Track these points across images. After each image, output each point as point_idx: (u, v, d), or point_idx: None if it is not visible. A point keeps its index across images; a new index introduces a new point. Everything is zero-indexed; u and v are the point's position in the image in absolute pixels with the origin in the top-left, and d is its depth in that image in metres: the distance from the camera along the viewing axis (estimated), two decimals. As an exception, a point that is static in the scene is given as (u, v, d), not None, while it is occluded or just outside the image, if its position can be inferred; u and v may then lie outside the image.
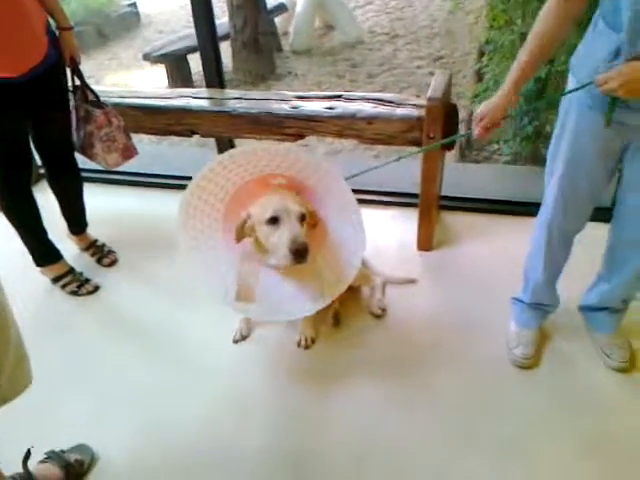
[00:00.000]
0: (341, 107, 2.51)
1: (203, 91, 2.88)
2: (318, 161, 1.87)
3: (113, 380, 2.16)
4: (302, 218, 1.84)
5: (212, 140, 3.23)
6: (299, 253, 1.78)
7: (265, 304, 2.01)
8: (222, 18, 5.92)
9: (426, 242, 2.69)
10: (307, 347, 2.22)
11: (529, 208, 2.89)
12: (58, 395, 2.09)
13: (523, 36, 3.24)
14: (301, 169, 1.89)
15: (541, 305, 2.17)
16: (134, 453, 1.89)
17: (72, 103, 2.42)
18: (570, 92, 1.67)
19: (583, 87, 1.59)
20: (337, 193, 1.88)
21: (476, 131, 1.80)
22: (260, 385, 2.11)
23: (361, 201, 2.78)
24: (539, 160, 3.56)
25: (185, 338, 2.32)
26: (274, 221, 1.82)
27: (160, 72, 6.05)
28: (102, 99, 2.45)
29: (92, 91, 2.42)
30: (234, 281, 1.99)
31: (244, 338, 2.29)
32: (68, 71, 2.35)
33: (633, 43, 1.44)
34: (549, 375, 2.07)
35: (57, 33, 2.25)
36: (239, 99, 2.72)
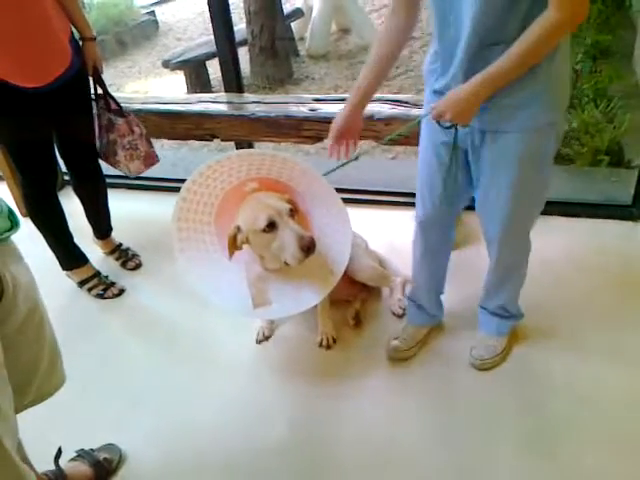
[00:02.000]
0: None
1: (222, 96, 2.92)
2: (296, 162, 1.85)
3: (140, 381, 2.21)
4: (292, 213, 1.85)
5: (231, 144, 3.27)
6: (309, 248, 1.80)
7: (281, 301, 2.02)
8: (239, 24, 5.97)
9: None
10: (329, 347, 2.24)
11: (545, 207, 2.90)
12: (88, 396, 2.13)
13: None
14: (280, 171, 1.90)
15: (421, 307, 2.18)
16: (161, 452, 1.93)
17: (94, 111, 2.47)
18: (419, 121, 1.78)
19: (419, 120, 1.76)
20: (318, 190, 1.89)
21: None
22: (283, 385, 2.14)
23: (379, 202, 2.83)
24: (558, 159, 3.54)
25: (209, 339, 2.36)
26: (271, 227, 1.82)
27: (179, 79, 6.13)
28: (124, 107, 2.50)
29: (114, 100, 2.47)
30: (247, 291, 2.01)
31: (267, 338, 2.32)
32: (91, 80, 2.41)
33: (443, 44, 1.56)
34: (425, 371, 2.11)
35: (80, 43, 2.31)
36: (258, 103, 2.76)
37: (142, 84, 6.57)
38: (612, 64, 3.97)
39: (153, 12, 8.91)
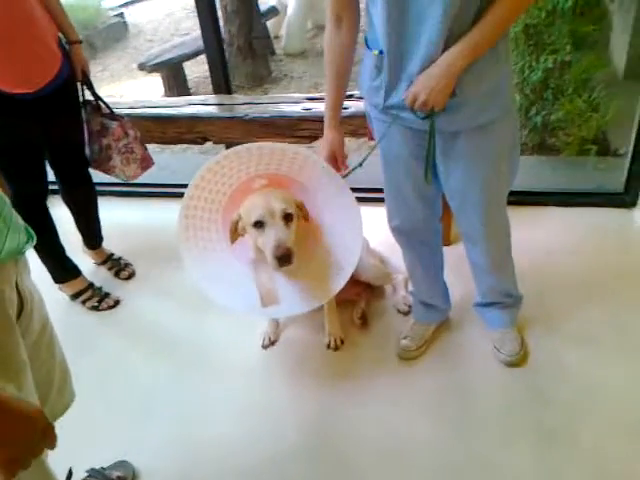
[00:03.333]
0: (354, 106, 2.50)
1: (212, 97, 2.86)
2: (308, 156, 1.83)
3: (146, 393, 2.15)
4: (287, 217, 1.80)
5: (213, 146, 3.21)
6: (283, 258, 1.75)
7: (289, 300, 1.97)
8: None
9: (444, 237, 2.68)
10: (337, 348, 2.21)
11: (540, 197, 2.93)
12: (93, 412, 2.06)
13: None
14: (291, 166, 1.87)
15: (426, 303, 2.17)
16: (175, 465, 1.88)
17: (83, 117, 2.40)
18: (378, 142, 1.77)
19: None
20: (332, 189, 1.86)
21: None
22: (294, 389, 2.10)
23: (375, 200, 2.80)
24: (546, 149, 3.57)
25: (212, 346, 2.31)
26: (259, 225, 1.79)
27: (154, 81, 6.02)
28: (115, 111, 2.43)
29: (105, 103, 2.40)
30: (255, 290, 1.96)
31: (273, 343, 2.28)
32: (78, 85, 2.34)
33: (392, 58, 1.51)
34: (435, 369, 2.10)
35: (67, 47, 2.24)
36: (249, 104, 2.72)
37: (116, 88, 6.44)
38: (591, 54, 4.01)
39: (122, 14, 8.74)
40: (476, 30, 1.41)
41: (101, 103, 2.40)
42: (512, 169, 1.76)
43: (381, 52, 1.51)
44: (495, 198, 1.79)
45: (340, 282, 1.91)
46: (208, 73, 6.10)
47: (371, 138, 1.99)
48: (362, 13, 1.64)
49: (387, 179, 1.88)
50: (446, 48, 1.43)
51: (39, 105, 2.12)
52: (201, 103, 2.80)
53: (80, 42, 2.27)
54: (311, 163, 1.83)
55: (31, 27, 2.00)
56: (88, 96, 2.40)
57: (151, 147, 4.27)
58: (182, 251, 1.91)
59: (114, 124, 2.36)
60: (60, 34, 2.21)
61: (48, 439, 0.96)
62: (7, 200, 1.06)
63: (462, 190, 1.76)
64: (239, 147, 1.77)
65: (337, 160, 1.84)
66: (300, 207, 1.90)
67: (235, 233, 1.90)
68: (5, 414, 0.89)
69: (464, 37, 1.41)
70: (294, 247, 1.78)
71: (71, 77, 2.25)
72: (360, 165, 1.82)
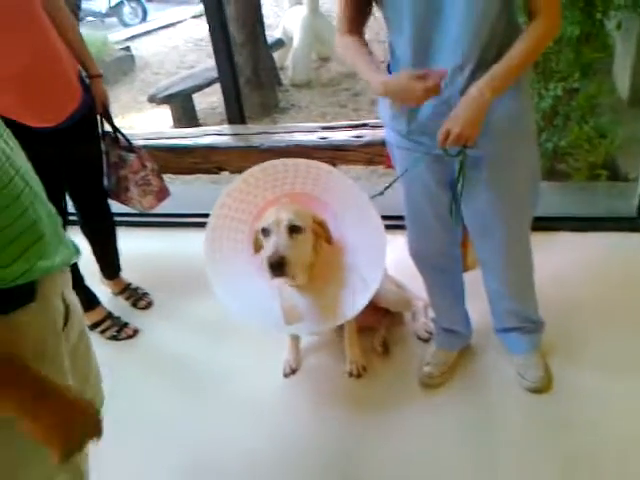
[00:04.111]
0: (369, 135, 2.54)
1: (226, 128, 2.91)
2: (339, 177, 1.86)
3: (163, 423, 2.14)
4: (294, 228, 1.80)
5: (222, 177, 3.23)
6: (275, 266, 1.73)
7: (311, 319, 1.97)
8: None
9: (462, 263, 2.69)
10: (359, 376, 2.20)
11: (553, 223, 2.94)
12: (108, 441, 2.03)
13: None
14: (316, 184, 1.89)
15: (448, 330, 2.16)
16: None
17: (102, 149, 2.43)
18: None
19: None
20: (356, 206, 1.87)
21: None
22: (316, 418, 2.08)
23: (392, 227, 2.82)
24: (556, 175, 3.59)
25: (232, 375, 2.30)
26: (265, 232, 1.82)
27: (162, 112, 6.11)
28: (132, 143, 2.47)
29: (124, 135, 2.43)
30: (279, 307, 1.95)
31: (294, 371, 2.26)
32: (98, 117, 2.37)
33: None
34: (459, 396, 2.08)
35: (87, 81, 2.28)
36: (264, 133, 2.76)
37: (125, 120, 6.52)
38: (596, 81, 4.07)
39: (128, 48, 8.92)
40: (502, 63, 1.43)
41: (119, 135, 2.43)
42: (534, 196, 1.78)
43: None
44: (517, 226, 1.80)
45: (365, 298, 1.90)
46: (216, 104, 6.24)
47: (389, 166, 2.01)
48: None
49: (408, 206, 1.89)
50: (471, 74, 1.46)
51: (59, 137, 2.15)
52: (216, 133, 2.84)
53: (100, 76, 2.31)
54: (335, 179, 1.86)
55: (54, 63, 2.04)
56: (106, 128, 2.43)
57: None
58: (208, 269, 1.93)
59: (132, 156, 2.39)
60: (80, 68, 2.25)
61: (98, 427, 1.07)
62: (59, 218, 1.12)
63: (483, 217, 1.77)
64: (264, 163, 1.82)
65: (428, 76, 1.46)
66: (321, 225, 1.91)
67: (257, 244, 1.93)
68: (65, 401, 0.98)
69: (491, 69, 1.43)
70: (296, 259, 1.78)
71: (91, 110, 2.28)
72: (381, 194, 1.83)
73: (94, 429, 1.05)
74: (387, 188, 1.79)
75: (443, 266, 2.03)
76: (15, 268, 0.92)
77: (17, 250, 0.93)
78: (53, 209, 1.11)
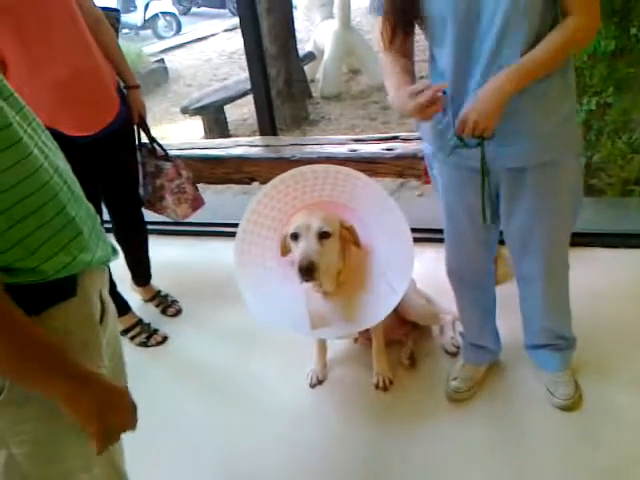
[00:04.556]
0: (400, 148, 2.55)
1: (258, 139, 2.95)
2: (368, 183, 1.87)
3: (194, 432, 2.15)
4: (323, 234, 1.82)
5: (253, 187, 3.25)
6: (304, 271, 1.75)
7: (337, 325, 1.98)
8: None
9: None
10: (386, 388, 2.19)
11: (586, 239, 2.90)
12: (140, 449, 2.06)
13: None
14: (343, 191, 1.91)
15: (477, 345, 2.13)
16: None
17: (139, 159, 2.48)
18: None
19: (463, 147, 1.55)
20: (387, 218, 1.88)
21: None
22: (343, 430, 2.08)
23: (419, 240, 2.82)
24: (588, 190, 3.55)
25: (259, 384, 2.31)
26: (294, 237, 1.84)
27: (194, 123, 6.21)
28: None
29: (160, 146, 2.49)
30: (305, 311, 1.96)
31: (320, 382, 2.27)
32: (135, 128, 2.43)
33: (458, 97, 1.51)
34: (486, 411, 2.05)
35: (125, 92, 2.34)
36: (295, 145, 2.78)
37: (158, 130, 6.64)
38: (630, 96, 4.01)
39: (162, 60, 9.10)
40: (526, 56, 1.41)
41: (156, 146, 2.48)
42: (576, 210, 1.75)
43: (444, 92, 1.47)
44: (558, 240, 1.77)
45: (392, 304, 1.89)
46: (246, 116, 6.31)
47: (427, 181, 2.00)
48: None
49: (449, 224, 1.87)
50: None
51: (96, 147, 2.20)
52: (248, 144, 2.88)
53: (138, 87, 2.37)
54: (364, 185, 1.87)
55: (95, 74, 2.11)
56: (143, 139, 2.49)
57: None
58: (237, 272, 1.95)
59: (168, 165, 2.44)
60: (118, 79, 2.31)
61: (133, 416, 1.10)
62: (98, 216, 1.17)
63: (525, 231, 1.75)
64: (293, 170, 1.86)
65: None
66: (349, 230, 1.92)
67: (284, 247, 1.95)
68: (104, 388, 1.02)
69: (518, 61, 1.42)
70: (324, 264, 1.80)
71: (128, 121, 2.33)
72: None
73: (130, 417, 1.09)
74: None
75: (478, 282, 2.02)
76: (57, 261, 0.96)
77: (57, 245, 0.97)
78: (92, 208, 1.15)
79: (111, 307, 1.24)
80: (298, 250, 1.81)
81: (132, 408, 1.10)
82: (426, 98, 1.38)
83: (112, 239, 2.62)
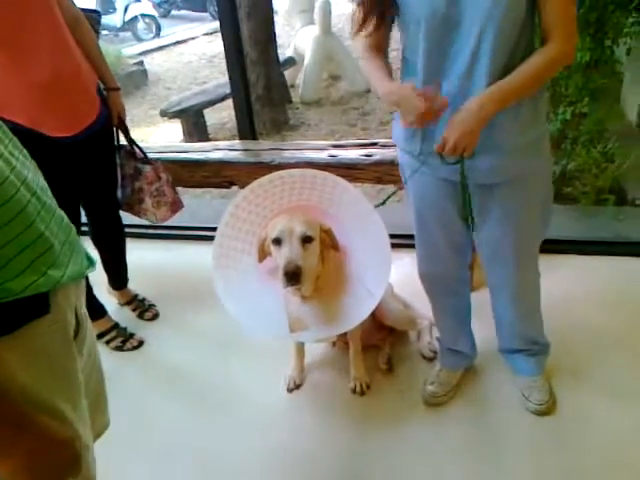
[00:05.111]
0: (379, 154, 2.56)
1: (238, 143, 2.94)
2: (345, 187, 1.87)
3: (170, 438, 2.13)
4: (306, 239, 1.82)
5: (232, 191, 3.24)
6: (290, 276, 1.75)
7: (316, 328, 1.97)
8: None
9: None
10: (363, 393, 2.20)
11: (560, 245, 2.94)
12: (115, 455, 2.04)
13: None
14: (321, 195, 1.91)
15: (453, 350, 2.16)
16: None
17: (117, 161, 2.46)
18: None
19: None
20: (364, 222, 1.88)
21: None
22: (317, 434, 2.08)
23: (400, 245, 2.83)
24: (562, 199, 3.61)
25: (235, 389, 2.30)
26: (277, 242, 1.83)
27: (173, 127, 6.18)
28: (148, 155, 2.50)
29: (139, 148, 2.47)
30: (284, 315, 1.95)
31: (297, 387, 2.27)
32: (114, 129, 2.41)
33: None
34: (462, 416, 2.08)
35: (105, 93, 2.32)
36: (275, 150, 2.78)
37: (137, 133, 6.59)
38: (604, 106, 4.10)
39: (141, 62, 9.03)
40: (508, 78, 1.44)
41: (135, 148, 2.47)
42: (545, 220, 1.79)
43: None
44: (528, 249, 1.81)
45: (369, 307, 1.89)
46: (225, 120, 6.29)
47: (401, 187, 2.02)
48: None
49: (419, 227, 1.90)
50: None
51: (75, 148, 2.18)
52: (228, 148, 2.87)
53: (118, 89, 2.36)
54: (341, 189, 1.88)
55: (75, 74, 2.09)
56: (122, 141, 2.47)
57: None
58: (215, 277, 1.93)
59: (147, 168, 2.42)
60: (99, 81, 2.29)
61: (75, 469, 0.99)
62: (73, 227, 1.11)
63: (495, 240, 1.78)
64: (271, 174, 1.86)
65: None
66: (328, 233, 1.92)
67: (262, 251, 1.94)
68: (39, 439, 0.91)
69: (497, 83, 1.44)
70: (308, 269, 1.79)
71: (107, 122, 2.31)
72: (383, 203, 1.85)
73: (71, 470, 0.98)
74: (388, 198, 1.82)
75: (451, 288, 2.04)
76: (23, 279, 0.91)
77: (24, 262, 0.92)
78: (66, 218, 1.10)
79: (88, 323, 1.20)
80: (282, 255, 1.80)
81: (73, 461, 0.98)
82: (427, 106, 1.41)
83: (89, 241, 2.60)
